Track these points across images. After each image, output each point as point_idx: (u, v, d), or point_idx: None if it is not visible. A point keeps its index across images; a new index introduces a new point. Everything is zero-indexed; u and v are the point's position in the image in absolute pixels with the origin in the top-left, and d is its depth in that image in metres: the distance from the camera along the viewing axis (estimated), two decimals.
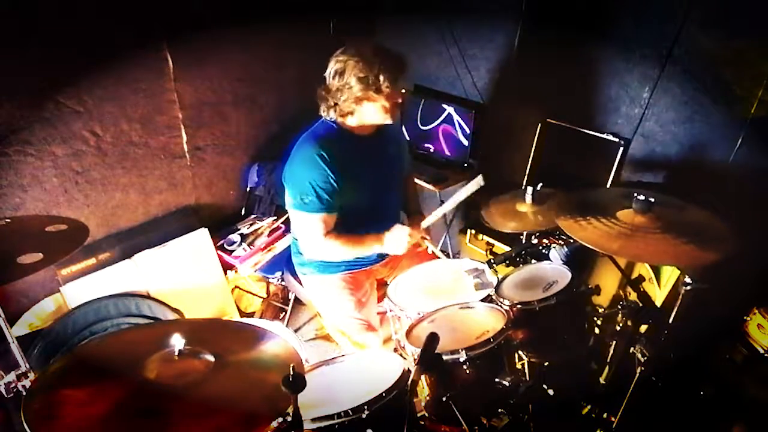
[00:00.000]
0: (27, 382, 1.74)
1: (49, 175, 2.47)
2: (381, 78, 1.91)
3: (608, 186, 2.69)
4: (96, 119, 2.53)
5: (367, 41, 3.24)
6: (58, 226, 1.74)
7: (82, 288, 2.56)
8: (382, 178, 2.15)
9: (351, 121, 2.06)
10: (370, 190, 2.11)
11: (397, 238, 2.09)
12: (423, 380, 1.72)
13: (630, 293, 2.11)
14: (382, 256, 2.32)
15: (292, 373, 1.17)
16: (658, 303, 2.37)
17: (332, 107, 2.03)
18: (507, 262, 2.29)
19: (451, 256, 3.34)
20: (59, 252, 1.65)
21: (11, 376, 1.73)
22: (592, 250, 1.64)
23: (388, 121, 2.04)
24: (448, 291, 2.15)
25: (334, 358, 1.83)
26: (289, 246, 2.48)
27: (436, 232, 3.57)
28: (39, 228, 1.73)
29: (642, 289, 1.93)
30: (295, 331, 3.08)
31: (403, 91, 2.01)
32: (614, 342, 2.12)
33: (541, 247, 2.45)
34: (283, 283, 2.84)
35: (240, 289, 3.14)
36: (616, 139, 2.64)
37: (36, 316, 2.54)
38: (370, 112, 2.02)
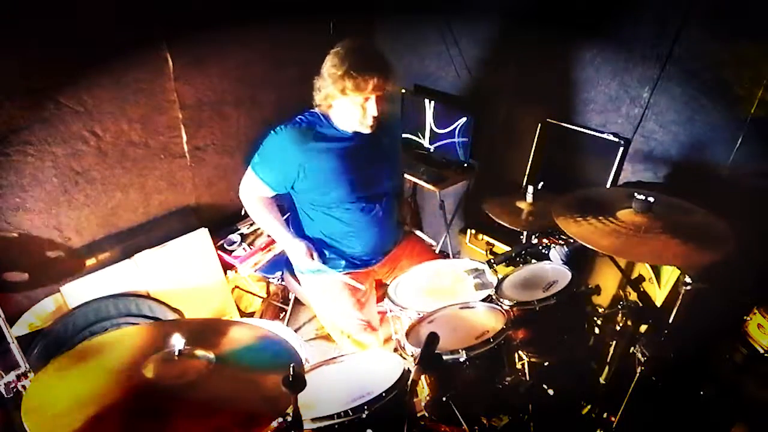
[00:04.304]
0: (27, 382, 1.74)
1: (49, 175, 2.47)
2: (346, 79, 1.88)
3: (608, 186, 2.69)
4: (96, 119, 2.53)
5: (363, 37, 3.22)
6: (58, 252, 1.74)
7: (82, 288, 2.56)
8: (370, 171, 2.13)
9: (334, 119, 2.06)
10: (355, 183, 2.09)
11: (295, 251, 2.17)
12: (423, 380, 1.72)
13: (630, 293, 2.11)
14: (378, 256, 2.32)
15: (292, 373, 1.17)
16: (658, 303, 2.37)
17: (318, 98, 2.04)
18: (507, 262, 2.30)
19: (451, 256, 3.34)
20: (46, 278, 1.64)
21: (11, 376, 1.74)
22: (592, 251, 1.64)
23: (365, 130, 2.02)
24: (449, 291, 2.15)
25: (334, 358, 1.82)
26: None
27: (437, 232, 3.58)
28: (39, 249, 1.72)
29: (642, 289, 1.93)
30: (295, 331, 3.08)
31: (377, 96, 1.93)
32: (614, 342, 2.12)
33: (541, 247, 2.45)
34: (283, 283, 2.83)
35: (240, 289, 3.14)
36: (616, 139, 2.65)
37: (36, 316, 2.54)
38: (343, 113, 2.01)
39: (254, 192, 2.20)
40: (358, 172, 2.09)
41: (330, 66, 1.93)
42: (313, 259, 2.14)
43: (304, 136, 2.02)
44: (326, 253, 2.25)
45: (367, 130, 2.03)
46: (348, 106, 1.96)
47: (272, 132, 2.05)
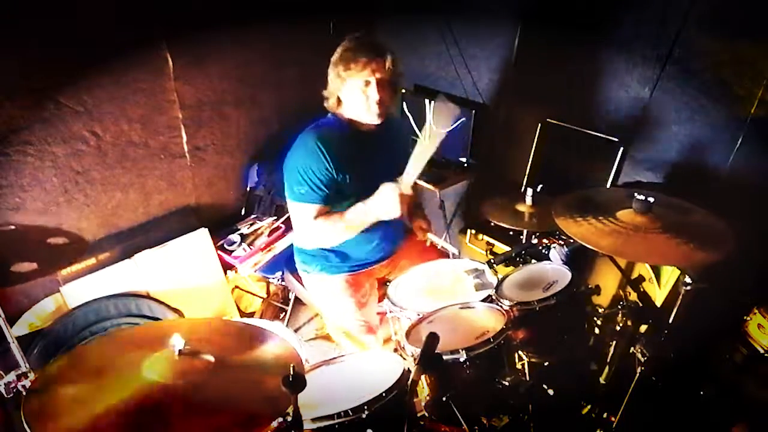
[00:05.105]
0: (27, 382, 1.74)
1: (49, 175, 2.47)
2: (340, 64, 1.95)
3: (608, 186, 2.69)
4: (96, 119, 2.53)
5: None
6: (57, 239, 1.75)
7: (82, 288, 2.56)
8: (385, 173, 2.13)
9: (345, 113, 2.07)
10: (373, 184, 2.09)
11: (385, 197, 1.96)
12: (423, 380, 1.71)
13: (630, 293, 2.11)
14: (382, 257, 2.32)
15: (292, 373, 1.17)
16: (658, 303, 2.37)
17: (329, 98, 2.06)
18: (507, 262, 2.29)
19: (451, 255, 3.34)
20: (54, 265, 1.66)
21: (11, 376, 1.73)
22: (592, 251, 1.64)
23: (373, 119, 2.02)
24: (448, 291, 2.15)
25: (334, 358, 1.82)
26: (290, 246, 2.48)
27: (436, 232, 3.58)
28: (40, 238, 1.74)
29: (642, 289, 1.93)
30: (295, 331, 3.08)
31: (376, 80, 1.96)
32: (614, 342, 2.12)
33: (541, 247, 2.45)
34: (283, 283, 2.84)
35: (240, 289, 3.14)
36: (616, 139, 2.64)
37: (36, 316, 2.54)
38: (349, 104, 2.02)
39: (313, 218, 2.04)
40: (375, 170, 2.07)
41: (333, 57, 1.99)
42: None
43: (320, 134, 2.03)
44: (330, 257, 2.24)
45: (376, 120, 2.03)
46: (351, 93, 1.98)
47: (295, 144, 2.04)
